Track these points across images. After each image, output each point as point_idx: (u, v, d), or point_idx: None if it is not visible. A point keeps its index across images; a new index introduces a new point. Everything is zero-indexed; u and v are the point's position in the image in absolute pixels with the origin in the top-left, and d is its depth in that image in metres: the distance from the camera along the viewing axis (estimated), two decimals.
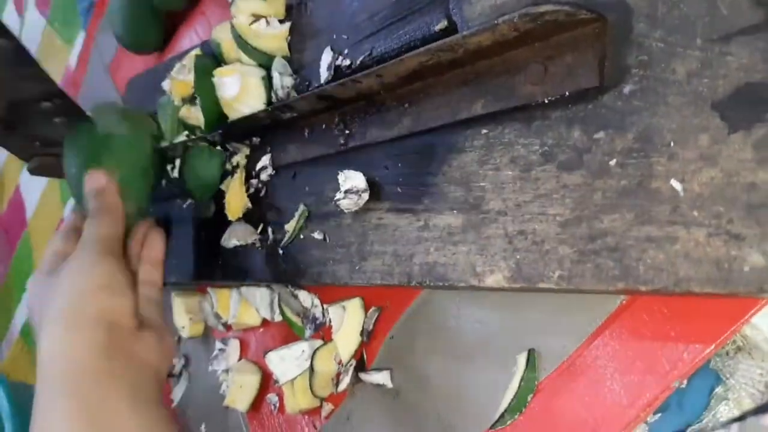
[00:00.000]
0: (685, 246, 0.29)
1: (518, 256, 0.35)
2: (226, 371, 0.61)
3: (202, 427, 0.64)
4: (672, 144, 0.30)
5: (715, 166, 0.28)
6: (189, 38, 0.75)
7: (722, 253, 0.27)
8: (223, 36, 0.57)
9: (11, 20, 1.26)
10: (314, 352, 0.49)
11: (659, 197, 0.30)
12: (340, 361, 0.48)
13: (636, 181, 0.31)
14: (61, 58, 1.08)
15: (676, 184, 0.29)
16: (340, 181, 0.43)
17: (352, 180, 0.43)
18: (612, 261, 0.31)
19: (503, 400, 0.38)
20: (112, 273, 0.44)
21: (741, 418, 0.31)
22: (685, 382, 0.32)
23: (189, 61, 0.60)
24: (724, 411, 0.35)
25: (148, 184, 0.53)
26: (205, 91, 0.56)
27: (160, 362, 0.44)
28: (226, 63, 0.57)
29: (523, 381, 0.37)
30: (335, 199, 0.43)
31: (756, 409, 0.32)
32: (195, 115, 0.59)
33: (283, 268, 0.49)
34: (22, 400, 0.90)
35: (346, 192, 0.43)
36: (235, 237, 0.54)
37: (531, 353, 0.37)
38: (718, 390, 0.34)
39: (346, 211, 0.44)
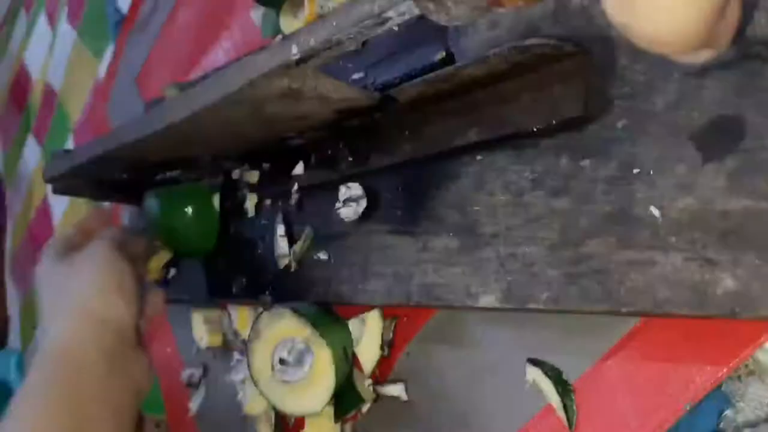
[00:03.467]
0: (664, 270, 0.30)
1: (509, 278, 0.36)
2: (244, 381, 0.62)
3: None
4: (651, 172, 0.31)
5: (691, 194, 0.30)
6: (215, 55, 0.78)
7: (697, 277, 0.29)
8: None
9: (43, 33, 1.30)
10: None
11: (640, 223, 0.31)
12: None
13: (618, 207, 0.32)
14: (90, 69, 1.11)
15: (655, 211, 0.31)
16: (340, 193, 0.45)
17: (350, 190, 0.45)
18: (596, 283, 0.32)
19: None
20: (125, 276, 0.45)
21: (754, 425, 0.32)
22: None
23: None
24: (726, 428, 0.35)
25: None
26: None
27: (145, 385, 0.45)
28: None
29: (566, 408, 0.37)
30: (335, 208, 0.45)
31: None
32: None
33: (290, 288, 0.51)
34: None
35: (344, 201, 0.44)
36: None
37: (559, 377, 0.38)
38: (728, 413, 0.34)
39: (346, 220, 0.45)
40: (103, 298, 0.43)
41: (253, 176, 0.57)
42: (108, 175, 0.58)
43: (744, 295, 0.27)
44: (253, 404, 0.58)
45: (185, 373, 0.69)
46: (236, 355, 0.63)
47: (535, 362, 0.38)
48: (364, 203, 0.45)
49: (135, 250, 0.51)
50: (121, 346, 0.43)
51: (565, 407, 0.36)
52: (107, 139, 0.50)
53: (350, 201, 0.45)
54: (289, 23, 0.60)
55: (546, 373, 0.37)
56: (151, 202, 0.59)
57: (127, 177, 0.58)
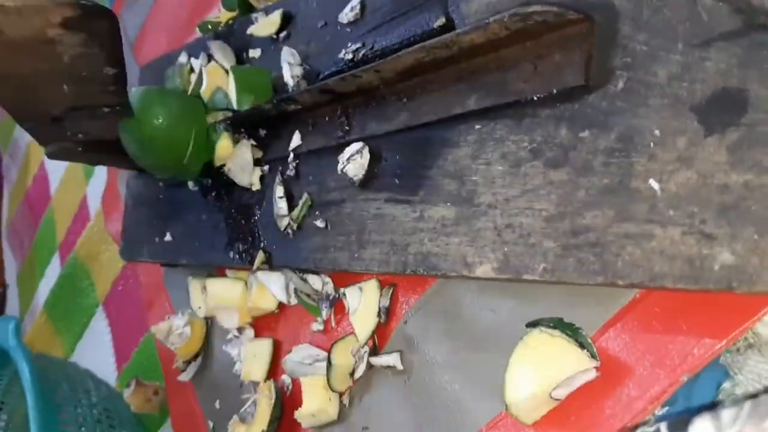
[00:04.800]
0: (661, 243, 0.30)
1: (506, 249, 0.36)
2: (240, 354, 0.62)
3: (216, 403, 0.65)
4: (652, 145, 0.31)
5: (691, 168, 0.29)
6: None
7: (695, 251, 0.29)
8: None
9: None
10: (332, 346, 0.50)
11: (638, 196, 0.31)
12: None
13: (617, 179, 0.32)
14: None
15: (654, 184, 0.30)
16: (342, 156, 0.45)
17: (351, 147, 0.45)
18: (593, 256, 0.32)
19: None
20: None
21: (754, 396, 0.32)
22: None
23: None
24: (726, 401, 0.35)
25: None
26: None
27: None
28: None
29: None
30: (342, 169, 0.45)
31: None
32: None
33: (287, 254, 0.51)
34: (43, 371, 0.93)
35: (348, 158, 0.44)
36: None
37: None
38: (726, 385, 0.34)
39: (354, 178, 0.45)
40: None
41: (257, 152, 0.56)
42: (60, 137, 0.57)
43: (742, 270, 0.27)
44: (249, 368, 0.59)
45: None
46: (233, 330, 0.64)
47: (533, 324, 0.38)
48: (367, 155, 0.44)
49: None
50: None
51: (581, 345, 0.36)
52: None
53: (353, 157, 0.44)
54: None
55: (549, 326, 0.37)
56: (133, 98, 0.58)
57: (83, 136, 0.56)
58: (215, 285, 0.62)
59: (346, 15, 0.49)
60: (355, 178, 0.45)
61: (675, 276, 0.29)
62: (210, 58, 0.64)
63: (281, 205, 0.52)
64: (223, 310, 0.63)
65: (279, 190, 0.52)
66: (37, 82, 0.50)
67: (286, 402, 0.56)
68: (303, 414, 0.50)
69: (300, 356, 0.53)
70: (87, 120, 0.54)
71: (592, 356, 0.35)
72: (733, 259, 0.28)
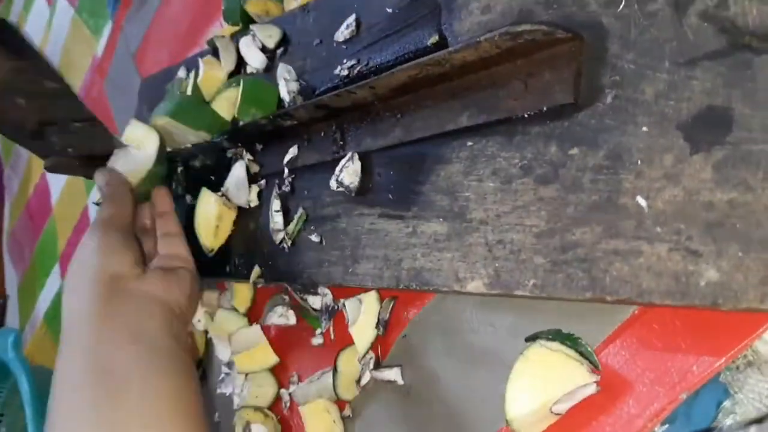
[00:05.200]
0: (648, 260, 0.30)
1: (497, 264, 0.36)
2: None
3: (216, 416, 0.65)
4: (639, 162, 0.31)
5: (678, 185, 0.30)
6: (213, 32, 0.77)
7: (681, 267, 0.29)
8: None
9: (41, 9, 1.30)
10: (338, 354, 0.51)
11: (626, 213, 0.31)
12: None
13: (605, 196, 0.32)
14: (88, 46, 1.11)
15: (641, 201, 0.31)
16: (337, 168, 0.46)
17: (344, 159, 0.46)
18: (581, 271, 0.32)
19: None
20: (109, 238, 0.49)
21: (759, 421, 0.32)
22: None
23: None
24: (732, 425, 0.35)
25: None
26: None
27: (167, 294, 0.48)
28: None
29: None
30: (337, 178, 0.46)
31: None
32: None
33: (283, 268, 0.52)
34: (43, 384, 0.93)
35: (342, 168, 0.45)
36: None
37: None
38: (726, 403, 0.34)
39: (350, 186, 0.45)
40: (89, 260, 0.48)
41: (253, 166, 0.57)
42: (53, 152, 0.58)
43: (727, 287, 0.28)
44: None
45: None
46: (224, 369, 0.64)
47: (532, 338, 0.38)
48: (358, 162, 0.45)
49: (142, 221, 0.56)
50: (117, 286, 0.47)
51: (581, 354, 0.36)
52: None
53: (346, 165, 0.45)
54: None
55: (548, 338, 0.37)
56: None
57: (72, 151, 0.57)
58: (222, 315, 0.63)
59: (342, 33, 0.49)
60: (351, 186, 0.45)
61: (662, 292, 0.29)
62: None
63: (277, 219, 0.52)
64: (221, 341, 0.63)
65: (275, 204, 0.53)
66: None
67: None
68: None
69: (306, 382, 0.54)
70: (61, 135, 0.55)
71: (594, 365, 0.35)
72: (719, 276, 0.28)
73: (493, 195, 0.37)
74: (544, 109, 0.35)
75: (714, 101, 0.29)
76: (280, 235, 0.52)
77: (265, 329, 0.60)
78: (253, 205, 0.56)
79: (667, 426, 0.35)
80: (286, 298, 0.56)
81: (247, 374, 0.59)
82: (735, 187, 0.28)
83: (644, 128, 0.31)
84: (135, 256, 0.49)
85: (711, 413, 0.35)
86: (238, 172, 0.56)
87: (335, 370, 0.50)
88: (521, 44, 0.35)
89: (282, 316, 0.56)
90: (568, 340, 0.37)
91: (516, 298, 0.36)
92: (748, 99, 0.28)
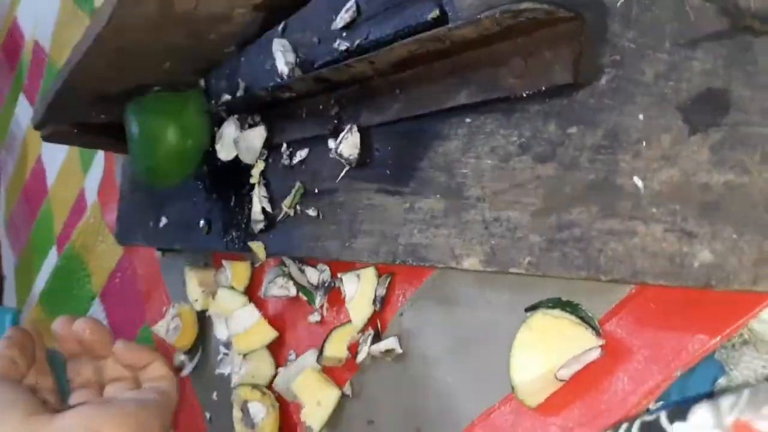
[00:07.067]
0: (643, 240, 0.30)
1: (493, 242, 0.36)
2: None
3: (214, 395, 0.66)
4: (637, 142, 0.31)
5: (675, 166, 0.30)
6: None
7: (675, 248, 0.29)
8: None
9: None
10: (329, 334, 0.51)
11: (622, 193, 0.31)
12: (352, 345, 0.50)
13: (602, 176, 0.32)
14: (81, 28, 1.09)
15: (638, 181, 0.31)
16: (335, 141, 0.46)
17: (342, 132, 0.46)
18: (577, 251, 0.33)
19: None
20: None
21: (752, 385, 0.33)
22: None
23: None
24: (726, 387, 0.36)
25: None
26: None
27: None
28: None
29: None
30: (336, 150, 0.46)
31: None
32: None
33: (279, 242, 0.52)
34: None
35: (341, 140, 0.45)
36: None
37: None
38: (721, 381, 0.34)
39: (350, 158, 0.45)
40: None
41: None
42: (83, 115, 0.57)
43: (720, 269, 0.28)
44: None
45: None
46: (222, 349, 0.65)
47: (533, 307, 0.39)
48: (357, 133, 0.45)
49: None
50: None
51: (582, 319, 0.36)
52: (64, 67, 0.50)
53: (345, 136, 0.45)
54: None
55: (549, 306, 0.38)
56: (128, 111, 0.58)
57: (105, 118, 0.57)
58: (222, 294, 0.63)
59: (342, 18, 0.48)
60: (350, 158, 0.45)
61: (656, 272, 0.30)
62: None
63: (257, 209, 0.52)
64: (220, 319, 0.63)
65: (262, 190, 0.53)
66: (158, 55, 0.50)
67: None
68: (309, 412, 0.51)
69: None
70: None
71: (595, 330, 0.36)
72: (713, 258, 0.28)
73: (491, 172, 0.37)
74: (544, 87, 0.35)
75: (713, 83, 0.29)
76: (260, 225, 0.53)
77: (263, 306, 0.60)
78: (260, 168, 0.56)
79: (662, 402, 0.35)
80: (286, 269, 0.56)
81: (245, 354, 0.60)
82: (731, 169, 0.28)
83: (643, 108, 0.31)
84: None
85: (706, 390, 0.35)
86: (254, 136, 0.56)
87: (320, 353, 0.50)
88: (522, 22, 0.35)
89: (282, 288, 0.57)
90: (569, 306, 0.37)
91: (513, 275, 0.36)
92: (748, 81, 0.28)
